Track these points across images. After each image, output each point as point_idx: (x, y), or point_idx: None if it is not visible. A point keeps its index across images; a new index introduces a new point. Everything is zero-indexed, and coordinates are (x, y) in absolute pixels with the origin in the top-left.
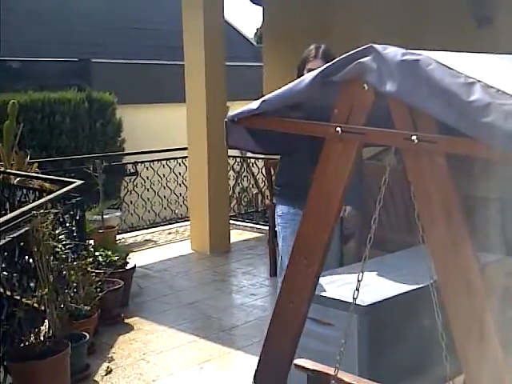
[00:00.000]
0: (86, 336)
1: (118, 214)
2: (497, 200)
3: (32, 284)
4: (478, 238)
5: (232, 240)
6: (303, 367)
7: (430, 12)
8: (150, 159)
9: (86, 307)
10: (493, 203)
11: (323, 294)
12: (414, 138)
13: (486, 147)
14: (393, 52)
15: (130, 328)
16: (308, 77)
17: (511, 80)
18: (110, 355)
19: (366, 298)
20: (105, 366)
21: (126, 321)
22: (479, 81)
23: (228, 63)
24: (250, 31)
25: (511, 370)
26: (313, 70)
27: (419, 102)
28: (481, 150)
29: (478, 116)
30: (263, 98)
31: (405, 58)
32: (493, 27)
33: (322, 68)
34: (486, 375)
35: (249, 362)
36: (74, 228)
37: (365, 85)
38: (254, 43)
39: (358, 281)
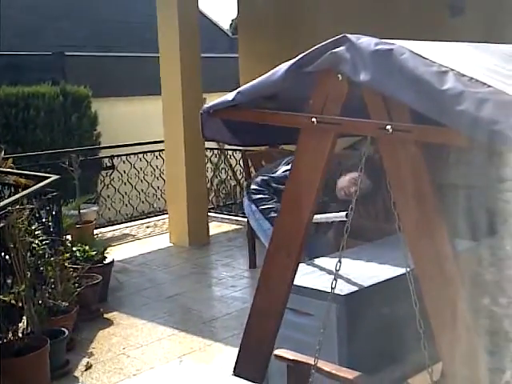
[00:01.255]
0: (64, 332)
1: (95, 208)
2: (471, 187)
3: (9, 281)
4: (452, 225)
5: (211, 232)
6: (283, 357)
7: (404, 2)
8: (126, 153)
9: (64, 303)
10: (467, 191)
11: (302, 284)
12: (388, 127)
13: (460, 135)
14: (366, 42)
15: (109, 323)
16: (282, 68)
17: (484, 68)
18: (89, 350)
19: (345, 287)
20: (84, 361)
21: (106, 316)
22: (452, 69)
23: (203, 55)
24: (225, 22)
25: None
26: None
27: (393, 91)
28: (454, 138)
29: (451, 104)
30: (238, 90)
31: (378, 47)
32: (465, 16)
33: (296, 58)
34: (462, 361)
35: (229, 354)
36: (50, 223)
37: (339, 75)
38: (230, 34)
39: (336, 270)
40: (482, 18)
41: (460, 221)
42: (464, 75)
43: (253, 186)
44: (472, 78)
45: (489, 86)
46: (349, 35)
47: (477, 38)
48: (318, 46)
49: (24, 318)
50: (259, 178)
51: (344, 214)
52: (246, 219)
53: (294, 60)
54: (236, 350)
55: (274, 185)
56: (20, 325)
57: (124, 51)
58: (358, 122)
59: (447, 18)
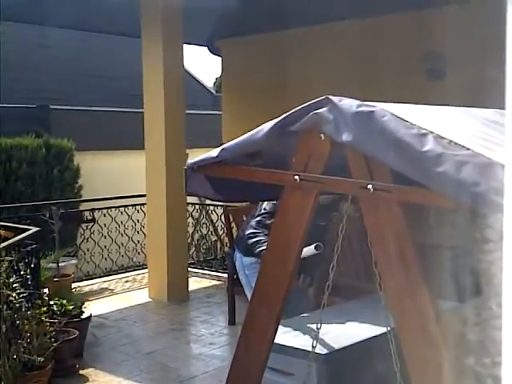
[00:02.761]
0: None
1: (74, 261)
2: (451, 248)
3: None
4: (434, 285)
5: (190, 288)
6: None
7: (386, 67)
8: (107, 206)
9: (39, 358)
10: (447, 251)
11: (282, 342)
12: (369, 186)
13: (441, 196)
14: (348, 103)
15: (84, 380)
16: (266, 126)
17: (463, 131)
18: None
19: (325, 346)
20: None
21: (81, 372)
22: (432, 132)
23: (187, 111)
24: (209, 80)
25: None
26: None
27: (374, 152)
28: (435, 199)
29: (430, 166)
30: (222, 147)
31: (360, 109)
32: (445, 80)
33: (280, 118)
34: None
35: None
36: (28, 276)
37: (321, 135)
38: (213, 92)
39: (317, 329)
40: (461, 82)
41: (442, 281)
42: (443, 138)
43: (249, 231)
44: (451, 141)
45: (467, 149)
46: (331, 97)
47: (456, 102)
48: (301, 107)
49: None
50: (253, 222)
51: (313, 247)
52: (226, 275)
53: (278, 119)
54: None
55: (268, 222)
56: None
57: (108, 106)
58: (340, 180)
59: (425, 81)
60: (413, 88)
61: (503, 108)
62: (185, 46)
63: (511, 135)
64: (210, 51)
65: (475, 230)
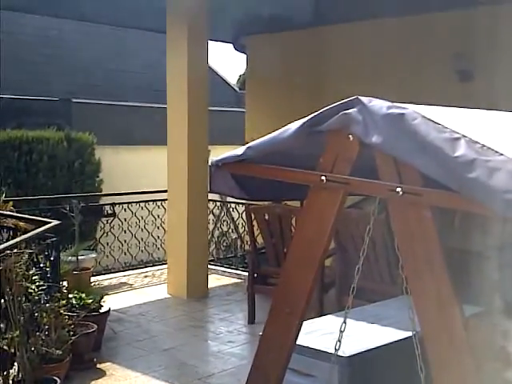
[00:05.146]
0: (56, 381)
1: (94, 255)
2: (480, 253)
3: (2, 325)
4: (464, 290)
5: (210, 285)
6: None
7: (417, 68)
8: (128, 201)
9: (57, 351)
10: (475, 256)
11: (304, 344)
12: (398, 189)
13: (471, 201)
14: (378, 105)
15: (102, 373)
16: (294, 126)
17: (496, 135)
18: None
19: (348, 348)
20: None
21: (99, 366)
22: (464, 136)
23: (210, 108)
24: (232, 77)
25: None
26: None
27: (404, 155)
28: (465, 204)
29: (462, 172)
30: (248, 145)
31: (390, 111)
32: (474, 82)
33: (309, 117)
34: None
35: None
36: (47, 269)
37: (350, 135)
38: (237, 89)
39: (341, 331)
40: (491, 84)
41: (468, 286)
42: (476, 142)
43: None
44: (484, 146)
45: (501, 154)
46: (361, 97)
47: (486, 104)
48: (330, 106)
49: (16, 364)
50: None
51: None
52: (246, 273)
53: (306, 119)
54: None
55: None
56: (11, 371)
57: (131, 100)
58: (368, 182)
59: (457, 82)
60: (442, 89)
61: None
62: (210, 42)
63: None
64: (235, 48)
65: (505, 236)
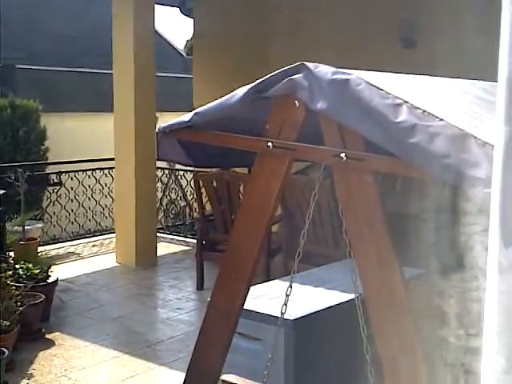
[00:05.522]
0: (4, 352)
1: (40, 225)
2: (418, 216)
3: None
4: (405, 253)
5: (159, 253)
6: (230, 383)
7: (361, 34)
8: (74, 169)
9: (4, 322)
10: (418, 220)
11: (251, 308)
12: (342, 155)
13: (411, 167)
14: (324, 70)
15: (51, 344)
16: (240, 91)
17: (436, 101)
18: (29, 372)
19: (293, 312)
20: (24, 382)
21: (47, 336)
22: (406, 102)
23: (157, 74)
24: (180, 42)
25: None
26: None
27: (348, 120)
28: (406, 169)
29: (404, 137)
30: (196, 111)
31: (335, 76)
32: (417, 50)
33: (255, 83)
34: None
35: (174, 378)
36: None
37: (296, 101)
38: (184, 54)
39: (286, 295)
40: (432, 52)
41: (414, 248)
42: (417, 108)
43: None
44: (425, 111)
45: (441, 120)
46: (307, 63)
47: (428, 72)
48: (276, 72)
49: None
50: None
51: None
52: (194, 240)
53: (252, 84)
54: (181, 375)
55: None
56: None
57: (76, 66)
58: (314, 148)
59: (400, 49)
60: (385, 55)
61: (480, 79)
62: (156, 6)
63: (504, 106)
64: (182, 12)
65: (452, 202)
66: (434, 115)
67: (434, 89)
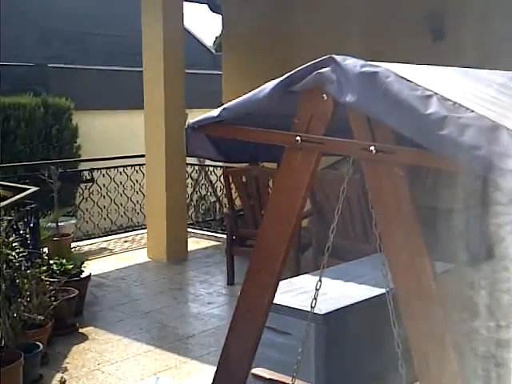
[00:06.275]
0: (39, 346)
1: (73, 221)
2: (453, 210)
3: None
4: (435, 247)
5: (189, 248)
6: (260, 376)
7: (388, 26)
8: (106, 166)
9: (39, 316)
10: (449, 213)
11: (281, 302)
12: (371, 148)
13: (443, 159)
14: (352, 63)
15: (84, 338)
16: (268, 86)
17: (466, 93)
18: (63, 365)
19: (324, 306)
20: (58, 376)
21: (81, 330)
22: (436, 93)
23: (187, 71)
24: (209, 39)
25: (465, 378)
26: None
27: (377, 113)
28: (436, 161)
29: (434, 129)
30: (224, 106)
31: (364, 69)
32: (446, 41)
33: (283, 77)
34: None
35: (205, 372)
36: (27, 235)
37: (324, 95)
38: (213, 51)
39: (316, 289)
40: (462, 43)
41: (447, 243)
42: (448, 99)
43: None
44: (455, 103)
45: (471, 111)
46: (335, 56)
47: (458, 63)
48: (304, 66)
49: None
50: None
51: None
52: (224, 235)
53: (281, 78)
54: (212, 368)
55: None
56: None
57: (107, 65)
58: (342, 141)
59: (429, 42)
60: (414, 48)
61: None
62: (184, 3)
63: None
64: (211, 9)
65: (476, 193)
66: (464, 106)
67: (464, 80)
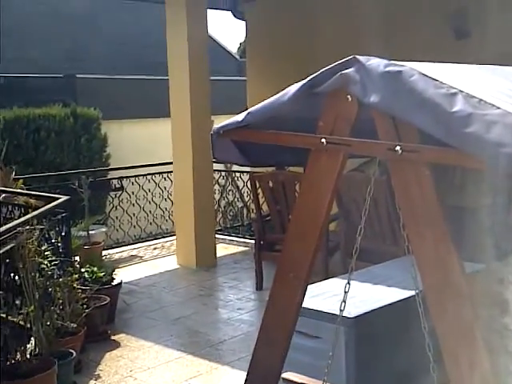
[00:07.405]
0: (72, 353)
1: (104, 229)
2: (478, 209)
3: (18, 301)
4: (464, 246)
5: (218, 254)
6: (291, 381)
7: (412, 26)
8: (135, 174)
9: (72, 324)
10: (477, 212)
11: (310, 306)
12: (397, 148)
13: (470, 157)
14: (376, 63)
15: (116, 345)
16: (292, 89)
17: (492, 90)
18: (96, 372)
19: (353, 309)
20: (92, 383)
21: (113, 337)
22: (461, 91)
23: (212, 77)
24: (233, 45)
25: (498, 378)
26: None
27: (402, 112)
28: (464, 159)
29: (460, 126)
30: (248, 111)
31: (388, 69)
32: (471, 39)
33: (307, 80)
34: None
35: (236, 378)
36: (59, 244)
37: (348, 96)
38: (238, 57)
39: (345, 292)
40: (487, 41)
41: (469, 243)
42: (473, 97)
43: None
44: (481, 100)
45: (497, 108)
46: (358, 56)
47: (483, 61)
48: (327, 68)
49: (32, 339)
50: None
51: None
52: (252, 241)
53: (305, 81)
54: (243, 374)
55: None
56: (28, 346)
57: (134, 74)
58: (368, 142)
59: (453, 40)
60: (438, 47)
61: None
62: (208, 11)
63: None
64: (234, 15)
65: (504, 191)
66: (490, 103)
67: (489, 77)
